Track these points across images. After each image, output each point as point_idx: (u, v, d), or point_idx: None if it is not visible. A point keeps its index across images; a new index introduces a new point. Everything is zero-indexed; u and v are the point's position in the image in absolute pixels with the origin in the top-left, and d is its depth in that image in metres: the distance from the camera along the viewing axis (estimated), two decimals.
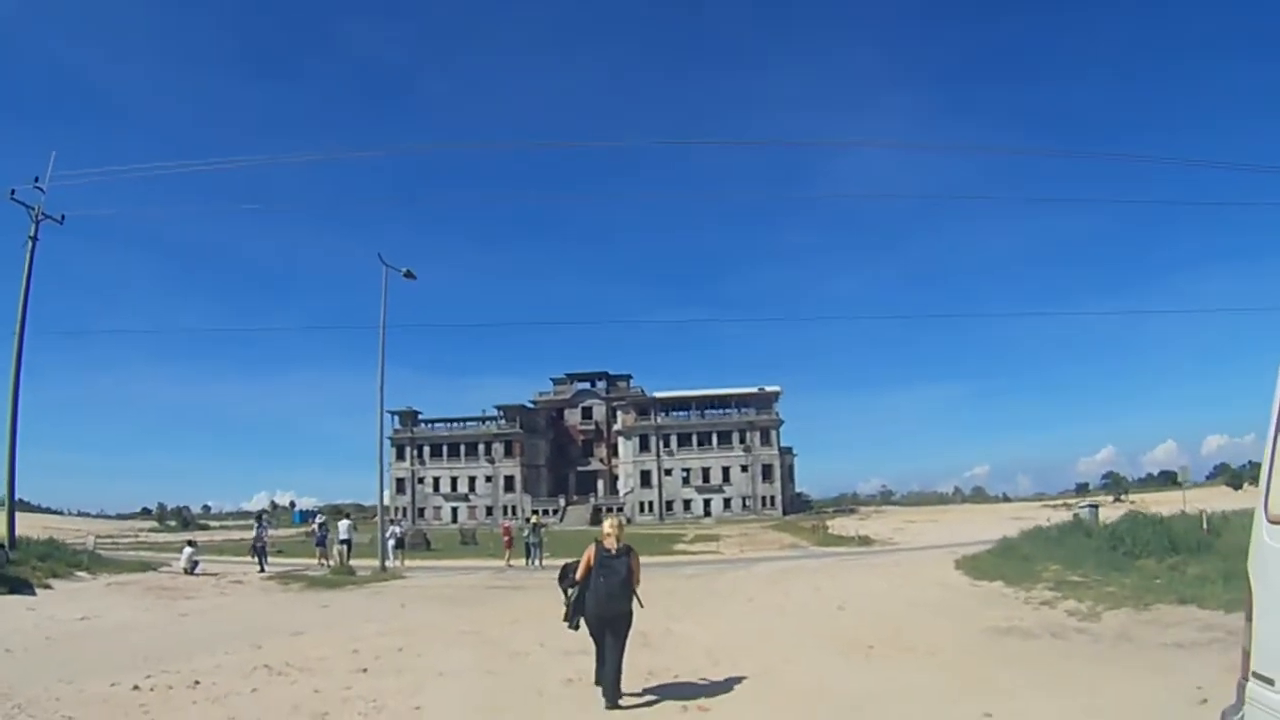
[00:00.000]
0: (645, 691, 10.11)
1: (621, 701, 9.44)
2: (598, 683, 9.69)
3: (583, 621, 9.75)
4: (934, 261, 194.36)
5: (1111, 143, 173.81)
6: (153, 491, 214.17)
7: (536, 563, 34.49)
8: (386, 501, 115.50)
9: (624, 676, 9.65)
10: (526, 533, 36.45)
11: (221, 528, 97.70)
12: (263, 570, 31.04)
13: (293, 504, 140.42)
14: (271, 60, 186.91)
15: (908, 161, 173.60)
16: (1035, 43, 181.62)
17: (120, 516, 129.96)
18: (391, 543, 37.17)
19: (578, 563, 9.82)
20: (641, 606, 9.82)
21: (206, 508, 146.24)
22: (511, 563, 36.19)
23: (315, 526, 36.98)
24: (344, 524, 34.56)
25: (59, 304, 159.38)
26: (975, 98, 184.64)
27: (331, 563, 32.63)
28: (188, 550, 30.96)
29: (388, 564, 33.05)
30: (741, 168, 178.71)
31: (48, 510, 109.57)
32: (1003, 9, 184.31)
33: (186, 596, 22.51)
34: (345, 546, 32.97)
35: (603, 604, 9.40)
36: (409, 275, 33.68)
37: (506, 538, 38.44)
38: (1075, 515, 28.17)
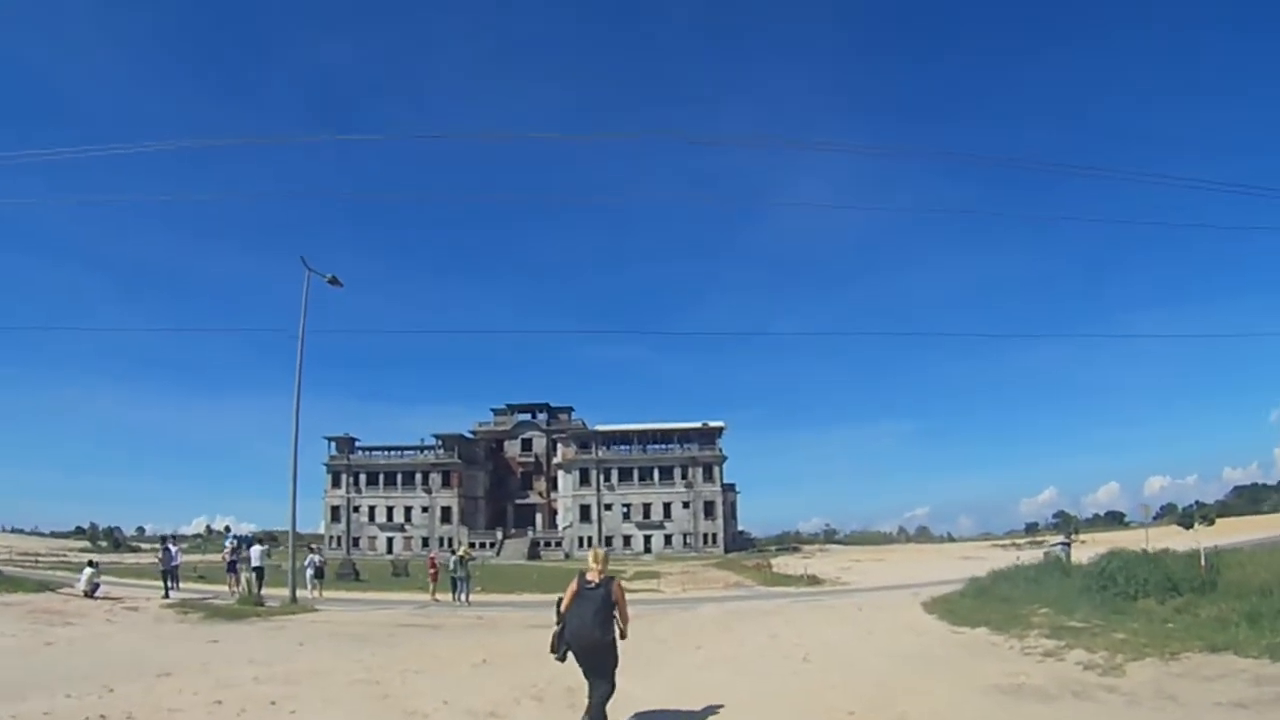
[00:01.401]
0: None
1: None
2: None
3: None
4: (877, 302, 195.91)
5: (1054, 184, 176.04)
6: (92, 512, 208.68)
7: (463, 598, 32.15)
8: (321, 530, 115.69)
9: None
10: (453, 566, 33.87)
11: (153, 550, 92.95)
12: (167, 596, 28.33)
13: (227, 529, 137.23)
14: (228, 76, 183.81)
15: (853, 200, 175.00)
16: (981, 82, 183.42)
17: (55, 535, 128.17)
18: (310, 572, 34.81)
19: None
20: (624, 637, 9.38)
21: (141, 529, 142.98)
22: (438, 597, 33.68)
23: (227, 551, 33.92)
24: (255, 550, 31.96)
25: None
26: (920, 137, 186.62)
27: (239, 591, 29.87)
28: (87, 571, 28.88)
29: (303, 595, 30.43)
30: (688, 203, 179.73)
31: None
32: (948, 48, 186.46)
33: (67, 622, 20.30)
34: (255, 574, 30.34)
35: (575, 634, 9.12)
36: (334, 282, 31.09)
37: (432, 570, 35.82)
38: (1046, 554, 26.33)
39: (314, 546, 39.51)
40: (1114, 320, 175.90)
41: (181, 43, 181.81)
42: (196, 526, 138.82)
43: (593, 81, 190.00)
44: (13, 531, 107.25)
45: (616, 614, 9.24)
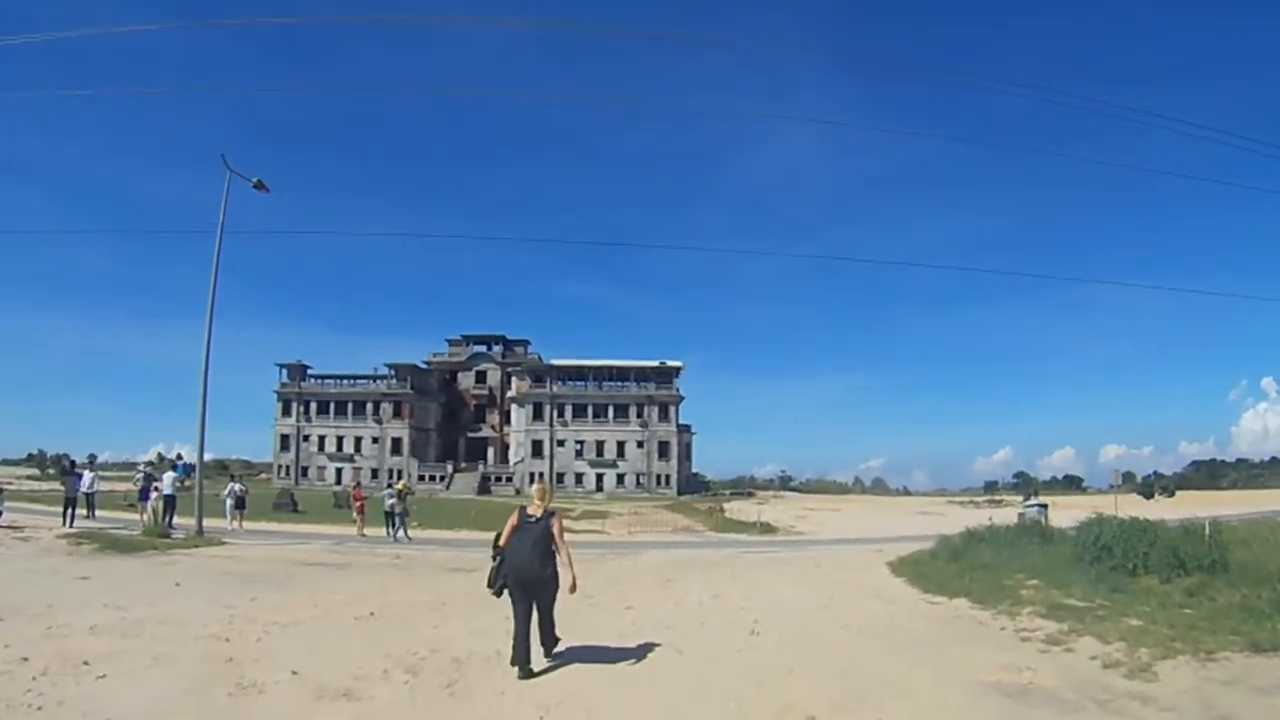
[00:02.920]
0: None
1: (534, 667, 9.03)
2: (513, 663, 8.94)
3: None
4: (844, 252, 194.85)
5: (1026, 142, 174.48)
6: (48, 440, 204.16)
7: (400, 534, 30.01)
8: (270, 458, 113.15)
9: None
10: (388, 501, 31.63)
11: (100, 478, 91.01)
12: (68, 525, 26.41)
13: (179, 457, 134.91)
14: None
15: (826, 151, 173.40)
16: (961, 44, 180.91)
17: (5, 462, 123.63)
18: (230, 502, 32.80)
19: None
20: (573, 590, 9.43)
21: (92, 457, 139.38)
22: (364, 532, 31.38)
23: (139, 477, 31.38)
24: (167, 476, 29.43)
25: None
26: (894, 93, 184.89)
27: (146, 519, 27.80)
28: None
29: (220, 525, 28.86)
30: (658, 147, 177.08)
31: None
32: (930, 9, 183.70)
33: None
34: (166, 502, 27.93)
35: (514, 566, 9.09)
36: (259, 186, 28.21)
37: (358, 503, 33.18)
38: (1022, 515, 24.34)
39: (235, 475, 37.01)
40: (1077, 286, 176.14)
41: None
42: (152, 454, 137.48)
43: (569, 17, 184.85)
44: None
45: (555, 549, 9.19)
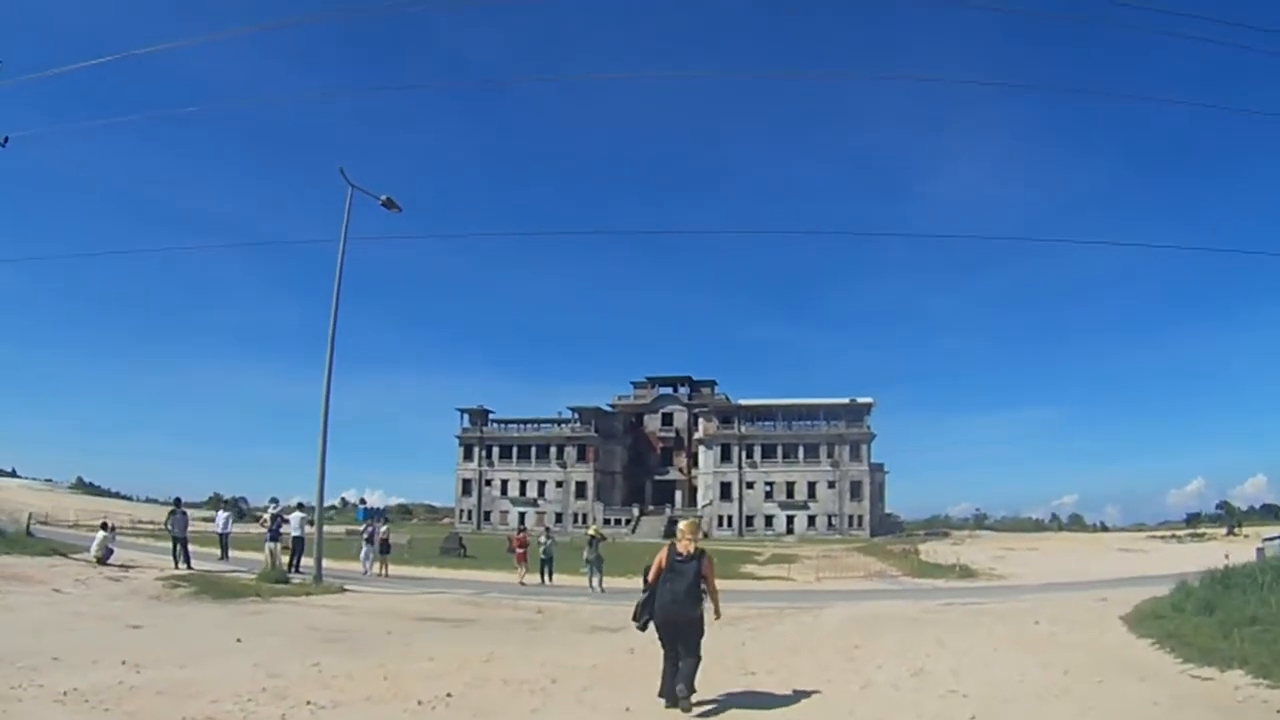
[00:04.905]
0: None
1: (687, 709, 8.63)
2: (661, 695, 8.85)
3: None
4: (1028, 283, 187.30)
5: (1208, 164, 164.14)
6: (228, 484, 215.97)
7: (596, 585, 26.76)
8: (452, 503, 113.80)
9: None
10: (547, 543, 30.11)
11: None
12: (180, 566, 25.17)
13: (363, 501, 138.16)
14: (372, 57, 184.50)
15: (1006, 180, 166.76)
16: (1133, 65, 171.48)
17: (193, 505, 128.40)
18: (366, 548, 30.70)
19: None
20: (718, 617, 9.28)
21: (274, 500, 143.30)
22: (525, 580, 28.96)
23: (267, 518, 29.68)
24: (295, 517, 27.85)
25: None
26: (1074, 118, 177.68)
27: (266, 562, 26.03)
28: (100, 535, 25.96)
29: (354, 570, 27.63)
30: (838, 183, 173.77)
31: (115, 495, 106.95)
32: (1101, 30, 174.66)
33: (23, 588, 17.99)
34: (294, 544, 27.02)
35: (666, 608, 8.78)
36: (389, 204, 26.19)
37: (520, 550, 30.46)
38: (1260, 550, 20.04)
39: (387, 516, 35.21)
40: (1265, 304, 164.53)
41: None
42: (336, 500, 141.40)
43: (740, 60, 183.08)
44: (146, 501, 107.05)
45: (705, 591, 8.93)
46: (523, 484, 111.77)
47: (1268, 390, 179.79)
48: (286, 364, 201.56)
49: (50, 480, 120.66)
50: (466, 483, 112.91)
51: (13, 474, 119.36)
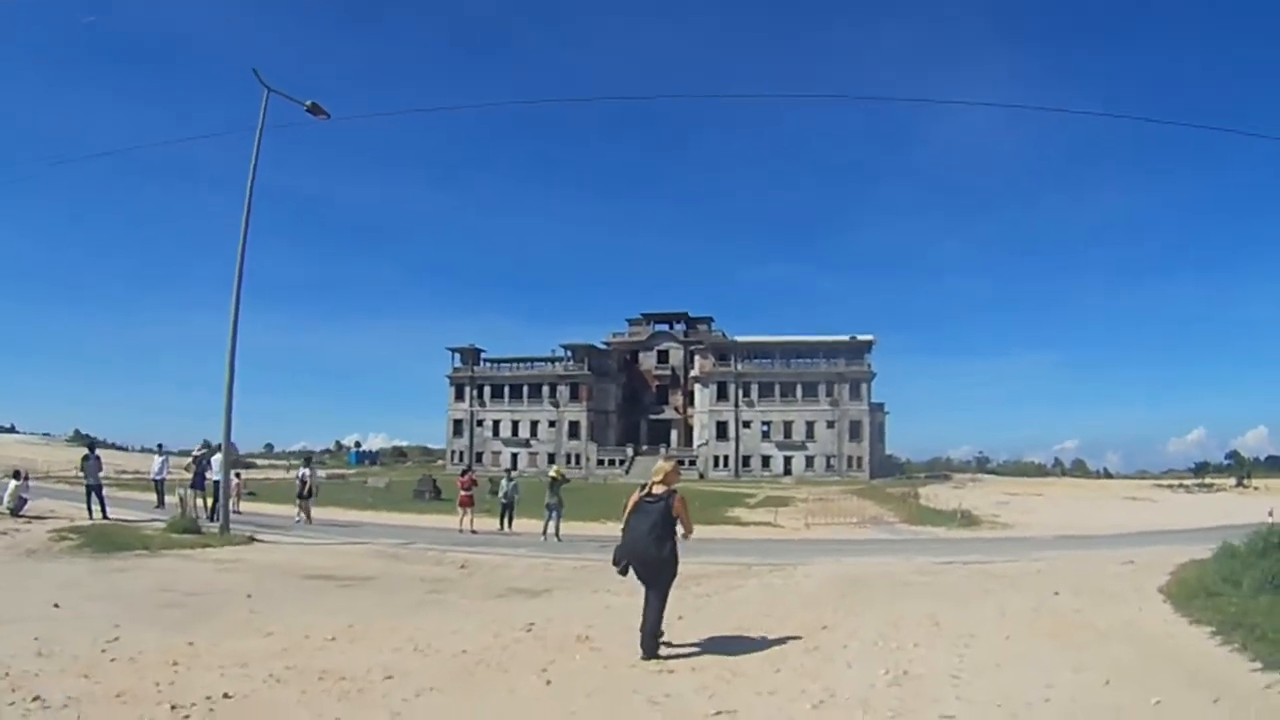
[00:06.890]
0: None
1: (660, 653, 8.58)
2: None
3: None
4: (1033, 227, 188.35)
5: (1213, 114, 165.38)
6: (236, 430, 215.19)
7: (553, 531, 24.76)
8: (443, 444, 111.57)
9: None
10: (508, 486, 28.16)
11: (269, 466, 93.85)
12: (96, 516, 23.23)
13: (357, 444, 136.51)
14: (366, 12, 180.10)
15: (1010, 125, 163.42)
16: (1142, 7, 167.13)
17: (183, 453, 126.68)
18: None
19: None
20: (688, 536, 8.91)
21: (269, 446, 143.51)
22: (471, 527, 26.72)
23: (190, 461, 27.08)
24: (216, 460, 25.34)
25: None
26: (1078, 63, 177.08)
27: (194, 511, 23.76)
28: (11, 484, 23.90)
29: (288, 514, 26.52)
30: (842, 125, 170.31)
31: (111, 446, 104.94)
32: None
33: None
34: (213, 489, 24.78)
35: (629, 547, 8.75)
36: (315, 110, 22.88)
37: (464, 493, 27.81)
38: None
39: (308, 458, 32.59)
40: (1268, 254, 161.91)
41: None
42: (324, 444, 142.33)
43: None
44: (142, 451, 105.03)
45: (679, 524, 8.70)
46: (515, 424, 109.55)
47: (1271, 344, 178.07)
48: (286, 315, 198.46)
49: (48, 434, 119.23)
50: (458, 423, 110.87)
51: (11, 429, 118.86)
